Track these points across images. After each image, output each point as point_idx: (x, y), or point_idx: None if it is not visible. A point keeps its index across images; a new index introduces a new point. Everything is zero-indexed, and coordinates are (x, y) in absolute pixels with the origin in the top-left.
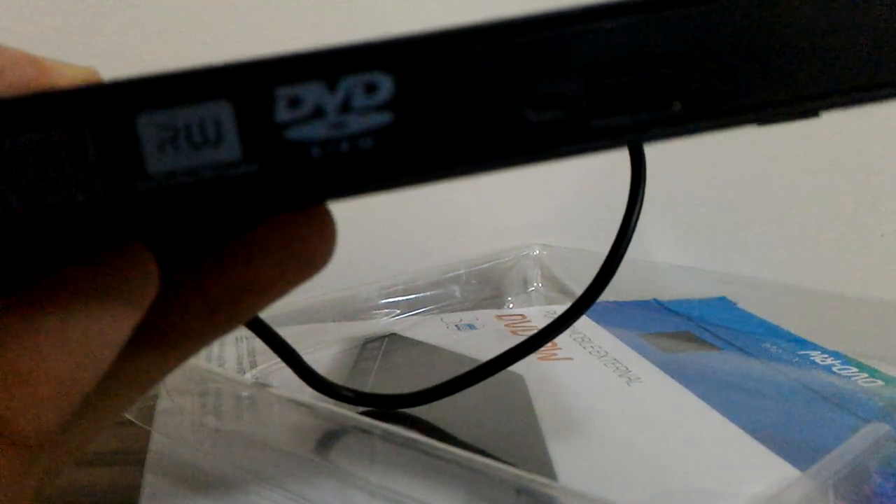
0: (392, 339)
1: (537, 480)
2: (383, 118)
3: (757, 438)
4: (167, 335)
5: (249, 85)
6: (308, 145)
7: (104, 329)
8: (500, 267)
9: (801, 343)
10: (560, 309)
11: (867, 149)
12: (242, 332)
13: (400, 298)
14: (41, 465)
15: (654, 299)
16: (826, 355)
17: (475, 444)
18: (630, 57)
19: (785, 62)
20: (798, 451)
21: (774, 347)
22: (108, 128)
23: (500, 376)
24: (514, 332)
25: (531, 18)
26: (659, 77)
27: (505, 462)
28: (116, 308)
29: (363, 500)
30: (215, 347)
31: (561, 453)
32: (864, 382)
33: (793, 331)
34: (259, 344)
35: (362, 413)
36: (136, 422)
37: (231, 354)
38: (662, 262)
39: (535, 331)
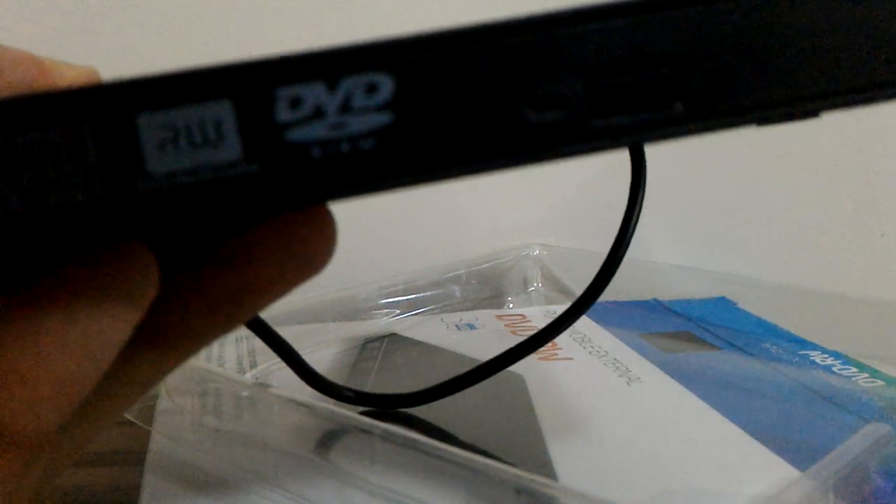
0: (392, 339)
1: (537, 480)
2: (384, 118)
3: (757, 438)
4: (167, 335)
5: (250, 85)
6: (308, 146)
7: (104, 329)
8: (500, 267)
9: (801, 343)
10: (560, 309)
11: (867, 148)
12: (242, 332)
13: (400, 298)
14: (41, 465)
15: (654, 299)
16: (826, 355)
17: (475, 444)
18: (630, 57)
19: (785, 62)
20: (798, 451)
21: (774, 347)
22: (108, 128)
23: (500, 376)
24: (514, 332)
25: (531, 19)
26: (659, 77)
27: (505, 462)
28: (116, 308)
29: (363, 500)
30: (215, 347)
31: (561, 453)
32: (864, 382)
33: (793, 331)
34: (259, 344)
35: (362, 413)
36: (136, 422)
37: (231, 354)
38: (662, 262)
39: (535, 331)
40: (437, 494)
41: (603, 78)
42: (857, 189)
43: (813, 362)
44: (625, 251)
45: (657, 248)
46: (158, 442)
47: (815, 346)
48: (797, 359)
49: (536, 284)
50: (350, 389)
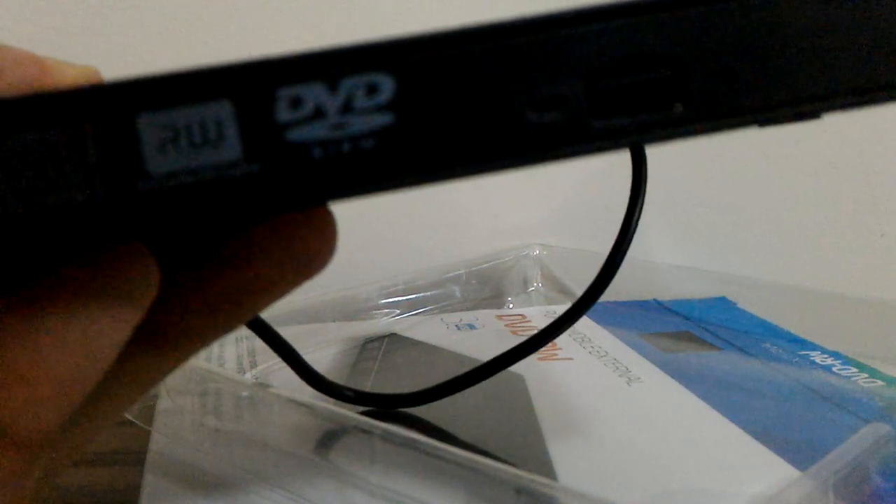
0: (392, 339)
1: (537, 480)
2: (384, 119)
3: (757, 438)
4: (167, 335)
5: (250, 85)
6: (309, 146)
7: (104, 329)
8: (500, 267)
9: (801, 343)
10: (560, 309)
11: (867, 149)
12: (242, 332)
13: (400, 298)
14: (41, 465)
15: (654, 299)
16: (826, 355)
17: (475, 444)
18: (630, 58)
19: (785, 63)
20: (798, 451)
21: (774, 347)
22: (108, 128)
23: (500, 376)
24: (514, 332)
25: (532, 20)
26: (659, 78)
27: (505, 462)
28: (116, 308)
29: (363, 500)
30: (215, 347)
31: (561, 453)
32: (864, 382)
33: (793, 331)
34: (259, 344)
35: (362, 413)
36: (136, 422)
37: (231, 354)
38: (662, 262)
39: (536, 331)
40: (437, 494)
41: (603, 79)
42: (856, 189)
43: (813, 362)
44: (625, 251)
45: (657, 248)
46: (158, 442)
47: (815, 346)
48: (797, 359)
49: (536, 284)
50: (350, 389)
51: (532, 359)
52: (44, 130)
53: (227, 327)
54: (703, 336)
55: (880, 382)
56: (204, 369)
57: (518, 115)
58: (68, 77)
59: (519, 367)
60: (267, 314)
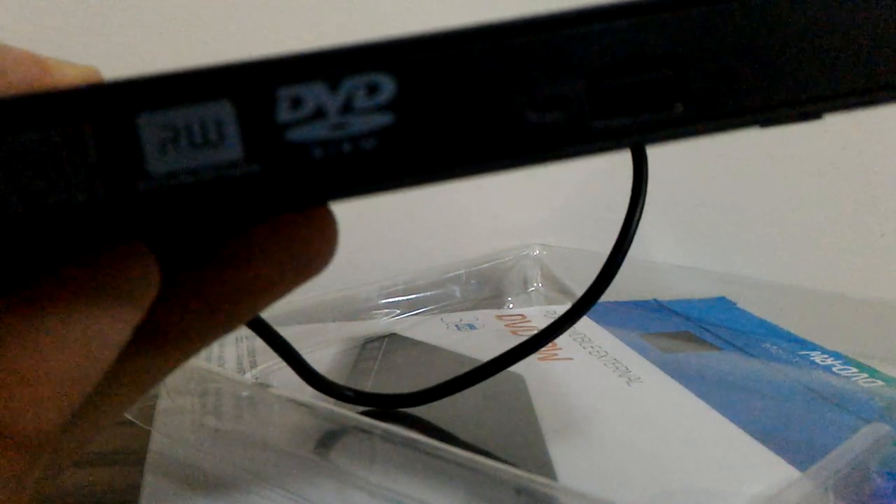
0: (392, 339)
1: (537, 480)
2: (385, 119)
3: (757, 438)
4: (167, 335)
5: (251, 85)
6: (309, 146)
7: (104, 329)
8: (500, 267)
9: (801, 343)
10: (560, 309)
11: (867, 149)
12: (242, 332)
13: (400, 298)
14: (41, 465)
15: (654, 299)
16: (826, 355)
17: (475, 444)
18: (631, 58)
19: (786, 64)
20: (798, 451)
21: (774, 347)
22: (109, 128)
23: (500, 376)
24: (514, 333)
25: (533, 20)
26: (660, 79)
27: (505, 462)
28: (117, 308)
29: (363, 500)
30: (215, 347)
31: (561, 453)
32: (864, 382)
33: (793, 331)
34: (259, 344)
35: (362, 413)
36: (136, 422)
37: (231, 354)
38: (662, 262)
39: (536, 331)
40: (437, 494)
41: (604, 79)
42: (856, 189)
43: (813, 362)
44: (626, 252)
45: (657, 248)
46: (158, 442)
47: (815, 346)
48: (797, 359)
49: (536, 284)
50: (350, 389)
51: (532, 359)
52: (44, 130)
53: (228, 327)
54: (703, 336)
55: (880, 382)
56: (204, 369)
57: (519, 115)
58: (68, 77)
59: (519, 367)
60: (267, 314)
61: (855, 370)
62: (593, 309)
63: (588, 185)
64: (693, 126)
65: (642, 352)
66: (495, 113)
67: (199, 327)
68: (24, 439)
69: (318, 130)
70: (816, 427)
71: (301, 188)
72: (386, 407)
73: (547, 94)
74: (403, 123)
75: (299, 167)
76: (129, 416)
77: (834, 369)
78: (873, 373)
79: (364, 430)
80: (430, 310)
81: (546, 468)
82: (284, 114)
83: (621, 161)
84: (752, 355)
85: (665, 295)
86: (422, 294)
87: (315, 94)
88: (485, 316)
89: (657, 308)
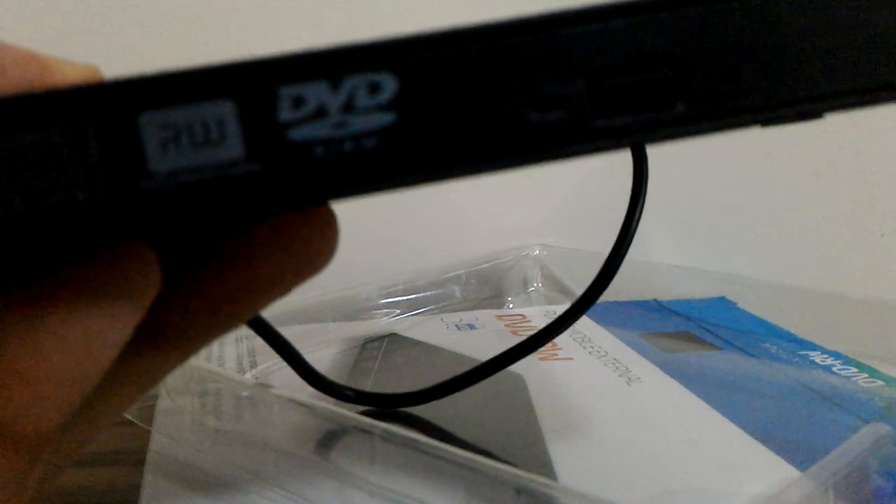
0: (392, 339)
1: (537, 480)
2: (386, 118)
3: (757, 438)
4: (167, 334)
5: (252, 84)
6: (311, 145)
7: (105, 329)
8: (500, 267)
9: (801, 343)
10: (560, 309)
11: (864, 149)
12: (242, 332)
13: (400, 298)
14: (42, 464)
15: (654, 299)
16: (826, 355)
17: (475, 444)
18: (632, 57)
19: (788, 63)
20: (798, 451)
21: (774, 347)
22: (110, 127)
23: (500, 376)
24: (514, 332)
25: (534, 19)
26: (661, 78)
27: (505, 462)
28: (117, 308)
29: (363, 500)
30: (215, 347)
31: (561, 453)
32: (864, 382)
33: (793, 331)
34: (259, 344)
35: (362, 413)
36: (136, 422)
37: (231, 354)
38: (662, 262)
39: (535, 331)
40: (437, 494)
41: (605, 78)
42: (855, 189)
43: (813, 362)
44: (626, 252)
45: (657, 249)
46: (158, 442)
47: (815, 346)
48: (797, 359)
49: (536, 284)
50: (350, 389)
51: (532, 359)
52: (45, 129)
53: (228, 326)
54: (703, 336)
55: (880, 382)
56: (204, 369)
57: (520, 114)
58: (69, 76)
59: (519, 367)
60: (267, 314)
61: (855, 370)
62: (593, 309)
63: (588, 184)
64: (694, 125)
65: (642, 352)
66: (496, 112)
67: (200, 327)
68: (24, 439)
69: (320, 129)
70: (816, 427)
71: (302, 187)
72: (386, 406)
73: (548, 94)
74: (405, 122)
75: (300, 166)
76: (129, 416)
77: (834, 369)
78: (873, 373)
79: (364, 430)
80: (430, 310)
81: (546, 468)
82: (286, 113)
83: (621, 161)
84: (752, 355)
85: (665, 295)
86: (422, 294)
87: (316, 93)
88: (485, 316)
89: (657, 308)
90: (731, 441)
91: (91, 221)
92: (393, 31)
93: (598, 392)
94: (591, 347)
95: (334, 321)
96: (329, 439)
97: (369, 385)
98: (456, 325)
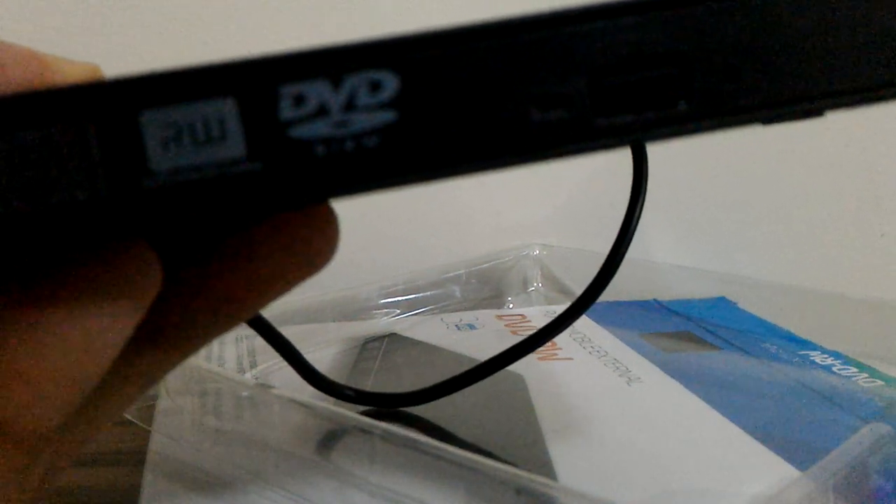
0: (392, 339)
1: (537, 480)
2: (388, 116)
3: (757, 438)
4: (168, 333)
5: (254, 83)
6: (312, 143)
7: (106, 328)
8: (500, 267)
9: (801, 343)
10: (560, 309)
11: (870, 148)
12: (242, 332)
13: (400, 298)
14: (42, 463)
15: (654, 299)
16: (826, 355)
17: (475, 444)
18: (634, 56)
19: (789, 61)
20: (798, 451)
21: (774, 347)
22: (111, 125)
23: (500, 376)
24: (514, 332)
25: (536, 17)
26: (663, 76)
27: (505, 462)
28: (118, 307)
29: (363, 500)
30: (215, 347)
31: (561, 453)
32: (864, 382)
33: (793, 331)
34: (259, 343)
35: (362, 413)
36: (136, 422)
37: (231, 354)
38: (662, 262)
39: (535, 330)
40: (437, 494)
41: (607, 77)
42: (859, 189)
43: (813, 362)
44: (625, 251)
45: (657, 248)
46: (158, 442)
47: (815, 346)
48: (797, 359)
49: (536, 284)
50: (351, 388)
51: (532, 359)
52: (46, 128)
53: (228, 325)
54: (703, 336)
55: (880, 382)
56: (204, 369)
57: (522, 112)
58: (70, 75)
59: (519, 367)
60: (267, 314)
61: (855, 370)
62: (593, 309)
63: (591, 182)
64: (695, 124)
65: (642, 352)
66: (498, 110)
67: (200, 326)
68: (23, 438)
69: (321, 128)
70: (816, 427)
71: (303, 186)
72: (386, 406)
73: (550, 92)
74: (406, 121)
75: (302, 165)
76: (129, 416)
77: (834, 369)
78: (873, 373)
79: (364, 430)
80: (430, 310)
81: (546, 468)
82: (287, 111)
83: (625, 158)
84: (752, 355)
85: (665, 295)
86: (422, 294)
87: (318, 91)
88: (485, 316)
89: (657, 308)
90: (731, 441)
91: (92, 221)
92: (393, 31)
93: (598, 392)
94: (591, 347)
95: (334, 321)
96: (329, 439)
97: (369, 385)
98: (456, 325)
